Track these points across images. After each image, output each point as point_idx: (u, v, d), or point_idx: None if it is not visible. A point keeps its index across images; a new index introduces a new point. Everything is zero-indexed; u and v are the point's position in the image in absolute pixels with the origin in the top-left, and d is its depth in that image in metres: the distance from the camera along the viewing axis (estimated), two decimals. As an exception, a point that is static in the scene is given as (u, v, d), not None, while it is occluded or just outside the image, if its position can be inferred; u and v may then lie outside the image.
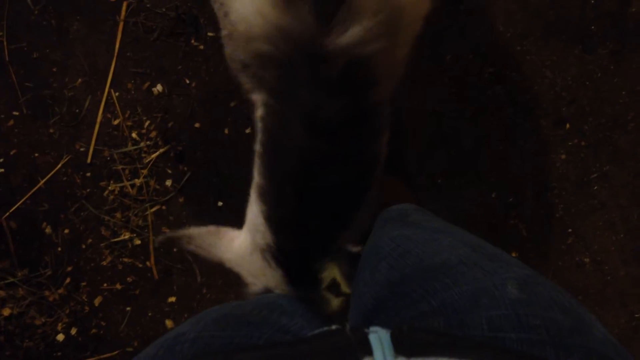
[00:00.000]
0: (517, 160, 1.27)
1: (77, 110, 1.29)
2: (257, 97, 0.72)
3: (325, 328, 0.45)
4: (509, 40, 1.26)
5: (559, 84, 1.26)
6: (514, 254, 1.28)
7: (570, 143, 1.26)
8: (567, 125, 1.26)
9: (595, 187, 1.27)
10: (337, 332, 0.41)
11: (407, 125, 1.26)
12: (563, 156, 1.27)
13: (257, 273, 0.78)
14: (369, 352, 0.36)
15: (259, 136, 0.74)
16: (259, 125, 0.74)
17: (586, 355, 0.40)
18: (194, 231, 0.81)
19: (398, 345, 0.37)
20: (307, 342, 0.40)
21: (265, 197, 0.75)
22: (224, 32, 0.75)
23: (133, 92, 1.28)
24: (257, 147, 0.75)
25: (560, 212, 1.27)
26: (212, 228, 0.83)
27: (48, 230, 1.30)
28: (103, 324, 1.31)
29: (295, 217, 0.73)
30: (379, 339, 0.38)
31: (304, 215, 0.72)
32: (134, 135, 1.28)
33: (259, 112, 0.73)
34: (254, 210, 0.78)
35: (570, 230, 1.27)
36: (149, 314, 1.30)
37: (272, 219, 0.75)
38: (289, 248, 0.75)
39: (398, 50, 0.73)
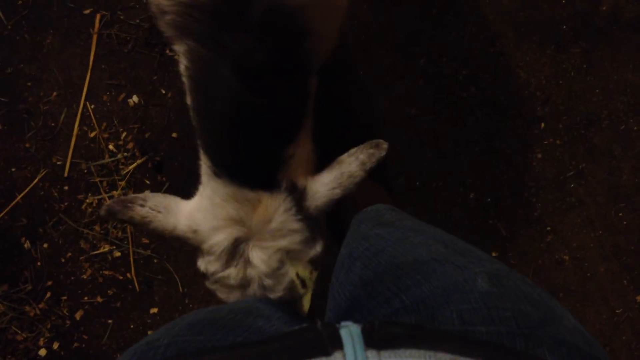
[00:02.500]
0: (494, 160, 1.27)
1: (53, 124, 1.28)
2: (180, 47, 0.73)
3: (297, 327, 0.45)
4: (482, 42, 1.27)
5: (532, 84, 1.27)
6: (494, 254, 1.28)
7: (545, 142, 1.27)
8: (542, 125, 1.27)
9: (572, 185, 1.28)
10: (308, 328, 0.41)
11: (382, 128, 1.27)
12: (539, 155, 1.27)
13: (207, 224, 0.76)
14: (340, 346, 0.36)
15: (187, 88, 0.75)
16: (185, 76, 0.75)
17: (555, 345, 0.41)
18: (148, 194, 0.80)
19: (369, 339, 0.37)
20: (278, 340, 0.40)
21: (206, 145, 0.76)
22: None
23: (109, 104, 1.28)
24: (188, 100, 0.77)
25: (539, 210, 1.28)
26: (164, 194, 0.81)
27: (27, 245, 1.29)
28: (85, 337, 1.30)
29: (231, 145, 0.73)
30: (349, 333, 0.38)
31: (238, 144, 0.73)
32: (111, 147, 1.28)
33: (183, 63, 0.74)
34: (202, 169, 0.79)
35: (549, 228, 1.28)
36: (131, 326, 1.30)
37: (210, 147, 0.76)
38: (228, 162, 0.75)
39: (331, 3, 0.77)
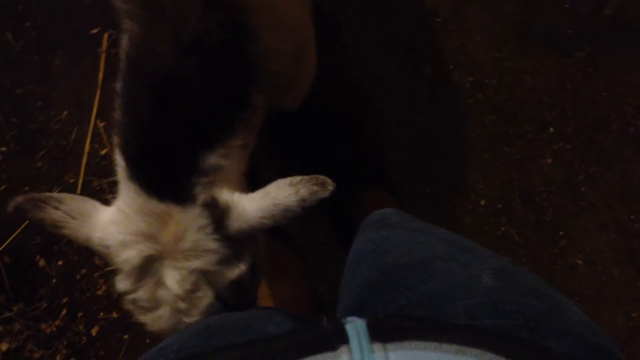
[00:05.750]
0: (504, 166, 1.27)
1: (64, 143, 1.30)
2: (124, 26, 0.70)
3: (303, 325, 0.45)
4: (487, 49, 1.28)
5: (539, 89, 1.27)
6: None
7: (555, 147, 1.27)
8: (551, 129, 1.27)
9: (583, 189, 1.27)
10: (314, 325, 0.41)
11: (387, 137, 1.27)
12: (549, 160, 1.27)
13: (117, 238, 0.68)
14: (345, 340, 0.37)
15: (120, 71, 0.69)
16: (122, 59, 0.69)
17: (561, 336, 0.41)
18: (65, 196, 0.70)
19: (374, 332, 0.37)
20: (285, 337, 0.40)
21: (123, 129, 0.69)
22: None
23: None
24: (117, 85, 0.70)
25: (550, 215, 1.27)
26: (83, 197, 0.72)
27: (42, 262, 1.31)
28: (102, 353, 1.31)
29: (144, 143, 0.66)
30: (355, 327, 0.38)
31: (152, 144, 0.66)
32: (121, 164, 1.29)
33: (123, 45, 0.69)
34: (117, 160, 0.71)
35: (561, 233, 1.27)
36: (147, 341, 1.30)
37: (124, 138, 0.69)
38: (140, 165, 0.68)
39: (283, 20, 0.75)
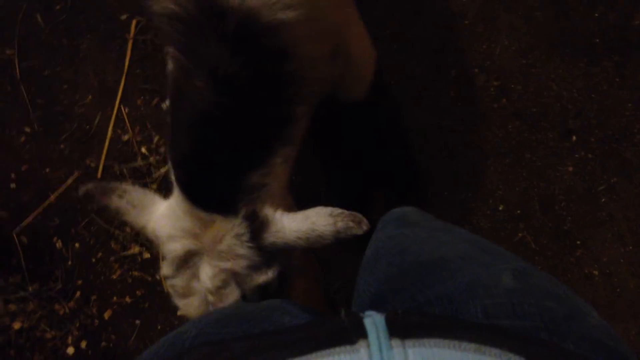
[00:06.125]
0: (525, 172, 1.27)
1: (87, 127, 1.31)
2: (169, 50, 0.74)
3: (321, 318, 0.45)
4: (514, 54, 1.27)
5: (564, 97, 1.27)
6: (522, 267, 1.27)
7: (577, 155, 1.26)
8: (574, 138, 1.26)
9: (603, 200, 1.26)
10: (332, 318, 0.41)
11: (415, 139, 1.27)
12: (570, 168, 1.27)
13: (166, 231, 0.77)
14: (364, 335, 0.36)
15: (168, 91, 0.76)
16: (169, 78, 0.75)
17: (580, 340, 0.41)
18: (129, 187, 0.79)
19: (392, 328, 0.37)
20: (303, 329, 0.40)
21: (172, 155, 0.76)
22: None
23: (142, 108, 1.30)
24: (167, 102, 0.77)
25: (568, 224, 1.27)
26: (145, 190, 0.81)
27: (59, 244, 1.32)
28: (113, 337, 1.32)
29: (190, 162, 0.73)
30: (373, 322, 0.38)
31: (197, 163, 0.73)
32: (143, 150, 1.30)
33: (169, 66, 0.74)
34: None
35: (578, 242, 1.27)
36: (159, 327, 1.31)
37: (175, 159, 0.76)
38: (185, 180, 0.75)
39: (319, 24, 0.75)
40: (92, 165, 1.31)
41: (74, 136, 1.31)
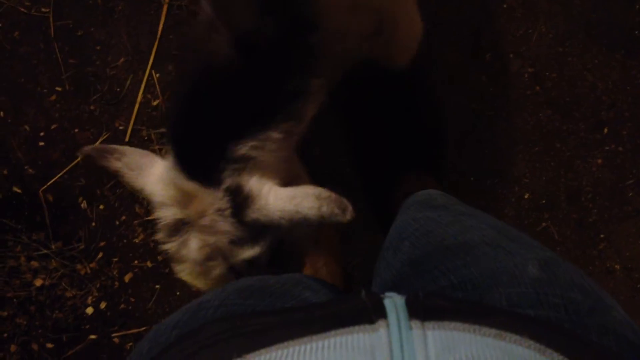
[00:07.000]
0: (553, 162, 1.26)
1: (118, 89, 1.31)
2: (202, 3, 0.73)
3: (342, 295, 0.45)
4: (551, 41, 1.25)
5: (599, 88, 1.25)
6: (543, 256, 1.27)
7: (607, 148, 1.25)
8: (605, 130, 1.25)
9: (631, 194, 1.25)
10: (352, 297, 0.41)
11: (446, 121, 1.26)
12: (599, 161, 1.26)
13: (158, 197, 0.76)
14: (384, 315, 0.36)
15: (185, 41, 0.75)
16: (191, 30, 0.75)
17: (603, 334, 0.41)
18: (127, 149, 0.79)
19: (413, 310, 0.37)
20: (322, 307, 0.40)
21: (171, 105, 0.76)
22: None
23: (174, 74, 1.30)
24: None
25: (594, 217, 1.26)
26: (145, 152, 0.80)
27: (83, 205, 1.33)
28: (132, 300, 1.33)
29: (186, 122, 0.72)
30: (393, 303, 0.38)
31: (191, 125, 0.72)
32: (172, 116, 1.30)
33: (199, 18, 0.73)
34: None
35: (602, 235, 1.26)
36: (177, 293, 1.32)
37: (170, 117, 0.76)
38: (179, 142, 0.74)
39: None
40: (121, 128, 1.31)
41: (104, 98, 1.31)
